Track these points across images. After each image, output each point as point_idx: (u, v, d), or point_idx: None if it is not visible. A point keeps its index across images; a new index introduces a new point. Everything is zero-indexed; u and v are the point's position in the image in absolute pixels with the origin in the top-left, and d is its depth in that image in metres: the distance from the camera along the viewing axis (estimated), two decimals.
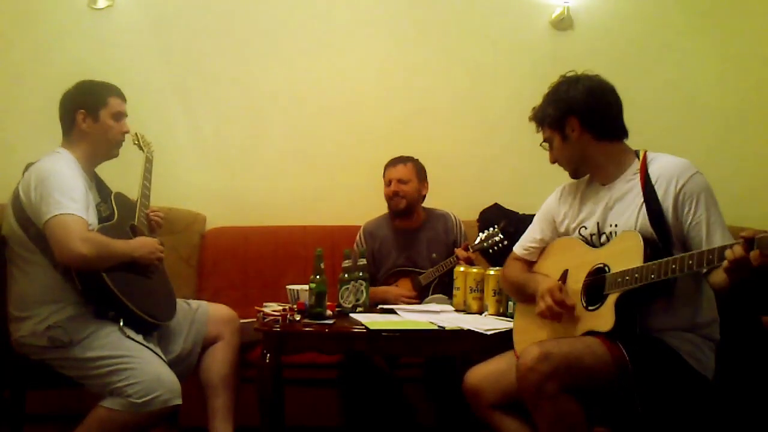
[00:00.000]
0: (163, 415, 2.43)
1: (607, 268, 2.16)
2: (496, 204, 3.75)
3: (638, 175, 2.20)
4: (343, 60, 3.92)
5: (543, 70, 3.87)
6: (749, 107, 3.94)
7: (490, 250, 3.13)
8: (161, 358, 2.49)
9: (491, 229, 3.16)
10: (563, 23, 3.91)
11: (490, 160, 3.94)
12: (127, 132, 2.70)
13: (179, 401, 2.43)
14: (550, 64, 3.86)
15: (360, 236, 3.44)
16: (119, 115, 2.65)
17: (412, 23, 3.92)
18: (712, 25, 3.95)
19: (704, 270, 1.99)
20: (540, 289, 2.27)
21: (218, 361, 2.70)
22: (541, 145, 2.39)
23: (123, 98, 2.67)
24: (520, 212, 3.64)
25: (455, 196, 3.67)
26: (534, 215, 3.63)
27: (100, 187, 2.69)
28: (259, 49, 3.89)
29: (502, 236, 3.10)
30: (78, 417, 2.43)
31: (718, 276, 1.96)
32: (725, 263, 1.81)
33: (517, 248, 2.54)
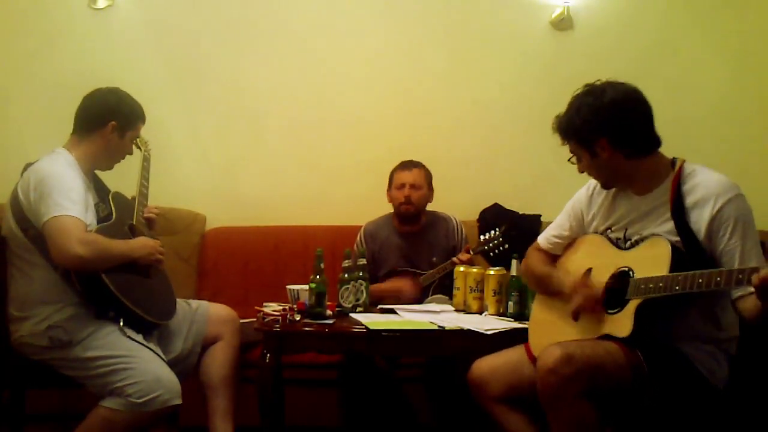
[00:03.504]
0: (163, 415, 2.44)
1: (631, 273, 2.11)
2: (496, 204, 3.74)
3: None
4: (342, 60, 3.91)
5: (543, 70, 3.94)
6: (750, 106, 3.93)
7: (491, 254, 3.13)
8: (161, 357, 2.49)
9: (493, 232, 3.15)
10: (563, 23, 3.90)
11: (490, 160, 3.93)
12: (131, 154, 2.73)
13: (179, 401, 2.43)
14: (550, 64, 3.88)
15: (360, 237, 3.43)
16: (135, 140, 2.71)
17: (411, 24, 3.91)
18: (712, 24, 3.94)
19: (733, 290, 1.94)
20: (567, 286, 2.24)
21: (218, 361, 2.70)
22: (569, 160, 2.29)
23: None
24: (520, 212, 3.64)
25: (455, 196, 3.66)
26: (534, 215, 3.63)
27: (98, 187, 2.69)
28: (258, 49, 3.88)
29: (503, 239, 3.10)
30: (78, 417, 2.43)
31: (749, 302, 1.92)
32: (754, 283, 1.73)
33: (542, 240, 2.49)
